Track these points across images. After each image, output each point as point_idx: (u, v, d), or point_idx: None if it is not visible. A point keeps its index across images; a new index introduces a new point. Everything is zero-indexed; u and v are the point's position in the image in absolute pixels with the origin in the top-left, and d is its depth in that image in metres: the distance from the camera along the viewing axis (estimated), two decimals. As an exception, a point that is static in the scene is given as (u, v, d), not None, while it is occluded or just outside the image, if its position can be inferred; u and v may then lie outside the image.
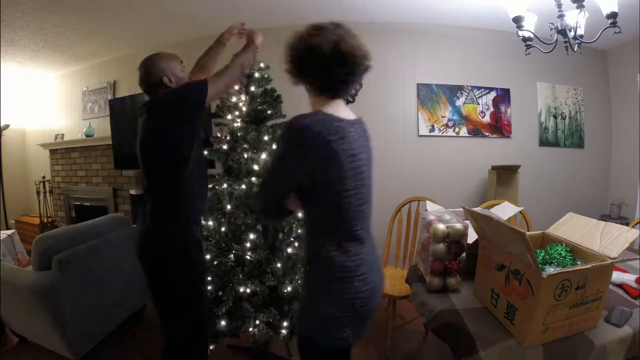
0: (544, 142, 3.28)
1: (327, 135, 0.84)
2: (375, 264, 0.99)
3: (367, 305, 0.94)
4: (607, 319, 1.08)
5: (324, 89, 0.92)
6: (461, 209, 1.31)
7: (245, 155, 1.79)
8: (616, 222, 1.21)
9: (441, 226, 1.28)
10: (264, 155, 1.79)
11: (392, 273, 2.19)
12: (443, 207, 1.61)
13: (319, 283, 0.94)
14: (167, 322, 1.39)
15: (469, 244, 1.31)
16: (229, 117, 1.87)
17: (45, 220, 4.13)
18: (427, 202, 2.17)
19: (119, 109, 3.41)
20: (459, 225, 1.27)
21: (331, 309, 0.91)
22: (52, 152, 4.07)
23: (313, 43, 0.86)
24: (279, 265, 1.75)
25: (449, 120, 3.13)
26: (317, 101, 0.94)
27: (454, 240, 1.27)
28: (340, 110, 0.93)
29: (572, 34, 1.89)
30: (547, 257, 1.15)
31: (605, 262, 0.99)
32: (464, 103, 3.14)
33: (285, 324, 1.73)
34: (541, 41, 2.03)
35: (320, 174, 0.87)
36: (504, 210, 1.61)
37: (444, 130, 3.13)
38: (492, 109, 3.18)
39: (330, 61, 0.86)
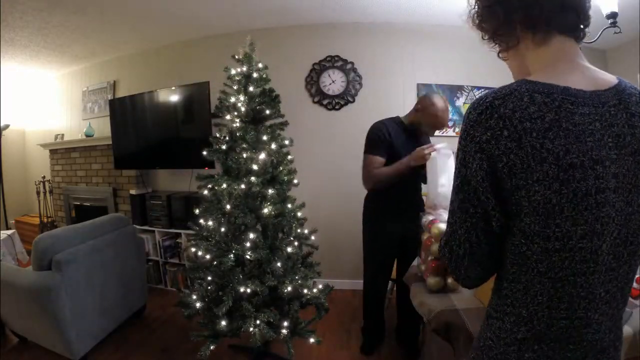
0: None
1: None
2: None
3: None
4: (607, 318, 1.08)
5: None
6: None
7: (245, 155, 1.79)
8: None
9: (441, 226, 1.28)
10: (262, 155, 1.79)
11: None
12: (444, 208, 1.59)
13: None
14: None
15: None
16: (228, 117, 1.87)
17: (45, 220, 4.12)
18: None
19: (119, 109, 3.41)
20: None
21: None
22: (52, 152, 4.06)
23: None
24: (279, 265, 1.75)
25: (449, 120, 3.12)
26: None
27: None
28: None
29: (572, 33, 1.89)
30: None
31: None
32: (464, 103, 3.14)
33: (285, 323, 1.73)
34: (541, 41, 2.02)
35: None
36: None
37: (444, 130, 3.13)
38: (492, 109, 3.17)
39: None
